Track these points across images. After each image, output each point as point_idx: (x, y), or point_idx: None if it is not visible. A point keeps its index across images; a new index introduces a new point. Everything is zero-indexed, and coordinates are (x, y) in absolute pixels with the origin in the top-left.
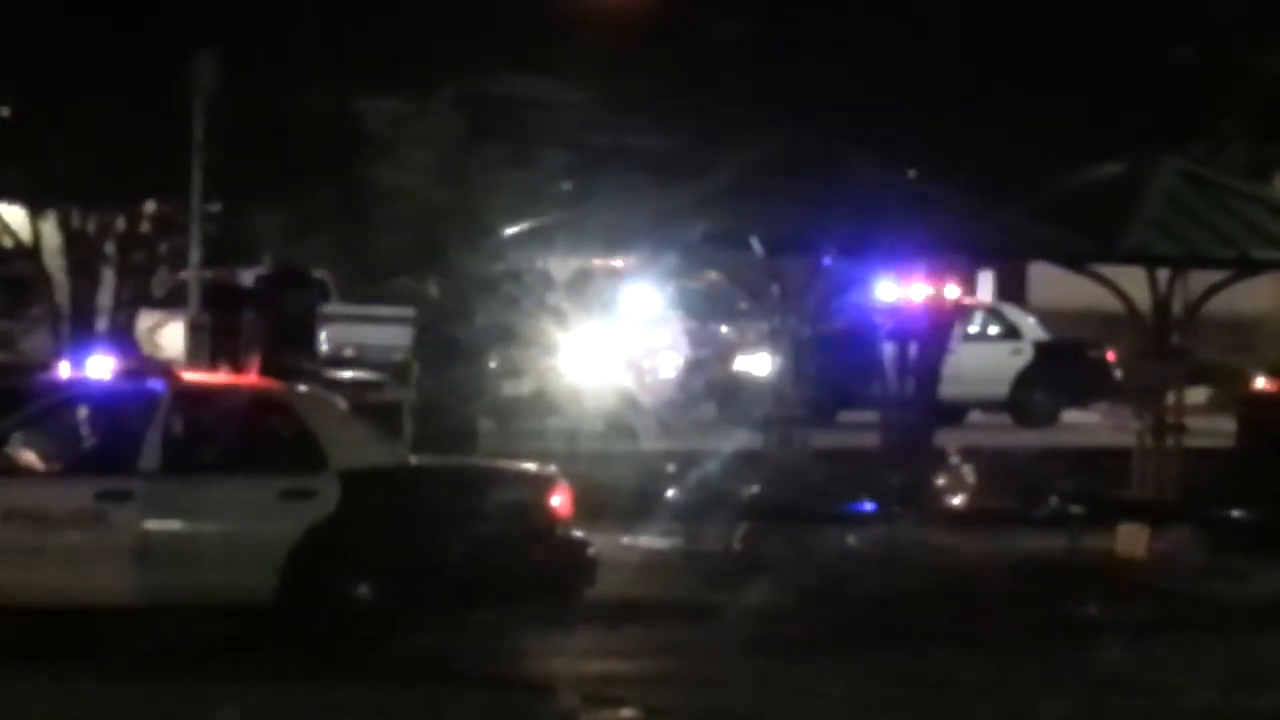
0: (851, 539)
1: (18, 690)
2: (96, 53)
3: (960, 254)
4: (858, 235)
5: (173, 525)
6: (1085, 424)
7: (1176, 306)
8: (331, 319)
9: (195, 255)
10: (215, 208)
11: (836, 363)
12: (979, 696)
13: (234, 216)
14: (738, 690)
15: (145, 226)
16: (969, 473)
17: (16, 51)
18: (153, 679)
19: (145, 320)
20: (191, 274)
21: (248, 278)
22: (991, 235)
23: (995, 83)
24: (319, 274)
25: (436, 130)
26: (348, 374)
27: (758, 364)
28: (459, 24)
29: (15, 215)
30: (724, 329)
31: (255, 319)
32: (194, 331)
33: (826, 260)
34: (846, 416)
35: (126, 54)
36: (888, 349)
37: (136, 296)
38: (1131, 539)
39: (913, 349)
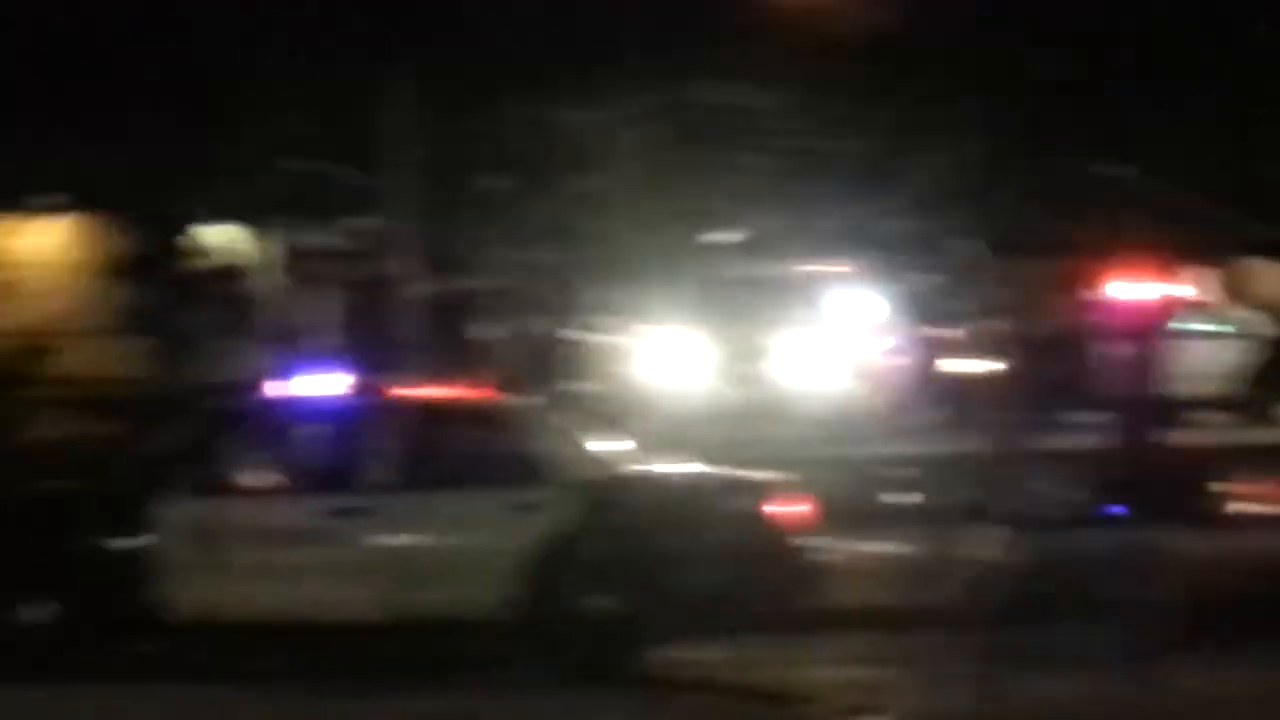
0: (1095, 543)
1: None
2: (297, 75)
3: (1181, 251)
4: (1077, 234)
5: (408, 540)
6: None
7: None
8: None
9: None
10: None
11: (1058, 362)
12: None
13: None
14: (982, 696)
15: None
16: (1204, 472)
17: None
18: (399, 694)
19: None
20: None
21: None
22: (1214, 232)
23: (1194, 69)
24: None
25: (643, 139)
26: None
27: (981, 365)
28: (658, 31)
29: (234, 234)
30: (946, 331)
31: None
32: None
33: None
34: (1070, 418)
35: (325, 74)
36: (1111, 347)
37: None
38: None
39: (1136, 347)
